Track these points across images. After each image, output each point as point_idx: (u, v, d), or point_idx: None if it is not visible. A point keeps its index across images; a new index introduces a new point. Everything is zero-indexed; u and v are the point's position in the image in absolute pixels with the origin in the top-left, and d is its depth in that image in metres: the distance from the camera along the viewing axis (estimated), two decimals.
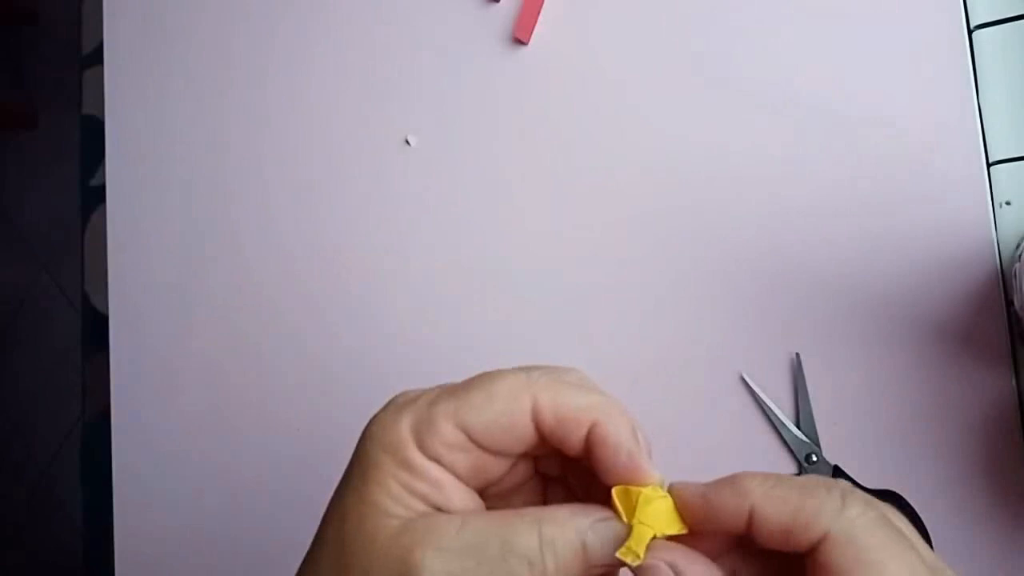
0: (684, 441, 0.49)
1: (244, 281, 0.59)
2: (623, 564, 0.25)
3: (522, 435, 0.25)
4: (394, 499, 0.24)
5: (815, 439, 0.47)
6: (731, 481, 0.24)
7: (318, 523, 0.27)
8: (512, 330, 0.53)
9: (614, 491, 0.25)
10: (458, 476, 0.25)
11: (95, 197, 0.65)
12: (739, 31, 0.50)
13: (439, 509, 0.25)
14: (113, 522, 0.60)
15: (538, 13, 0.53)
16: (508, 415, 0.25)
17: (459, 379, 0.27)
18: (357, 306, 0.56)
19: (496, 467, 0.26)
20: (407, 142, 0.56)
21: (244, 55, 0.61)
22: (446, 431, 0.25)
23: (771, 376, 0.48)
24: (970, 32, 0.46)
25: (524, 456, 0.27)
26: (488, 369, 0.27)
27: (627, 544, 0.25)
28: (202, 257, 0.60)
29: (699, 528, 0.25)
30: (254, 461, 0.58)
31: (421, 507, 0.25)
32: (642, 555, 0.24)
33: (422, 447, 0.25)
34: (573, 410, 0.25)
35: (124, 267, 0.62)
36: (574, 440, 0.25)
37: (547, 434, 0.26)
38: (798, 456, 0.47)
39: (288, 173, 0.59)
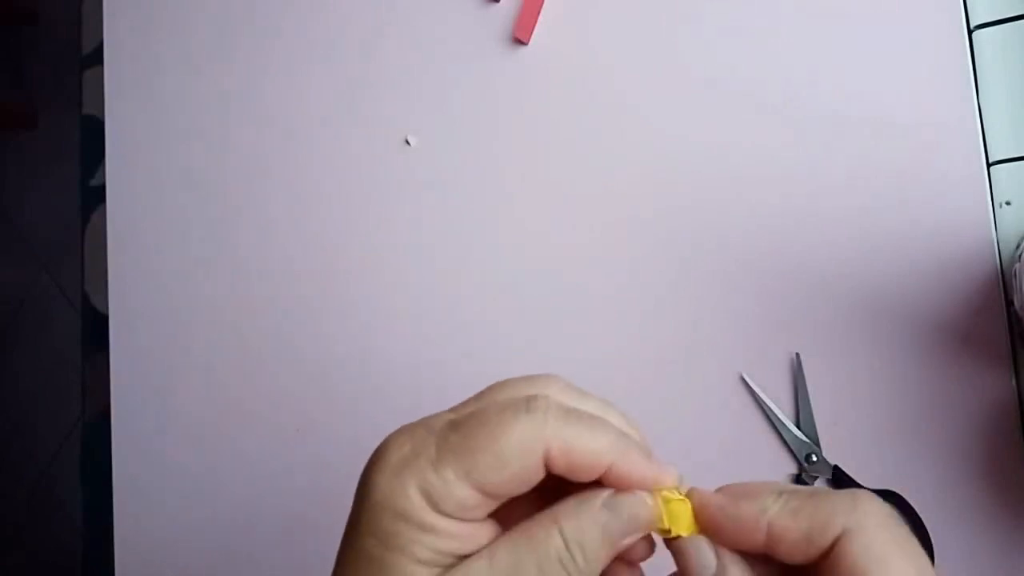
0: (684, 441, 0.49)
1: (244, 281, 0.59)
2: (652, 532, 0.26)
3: (535, 480, 0.25)
4: (423, 564, 0.24)
5: (815, 439, 0.47)
6: (749, 496, 0.25)
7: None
8: (512, 330, 0.53)
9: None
10: (473, 521, 0.25)
11: (95, 197, 0.65)
12: (739, 31, 0.50)
13: (464, 556, 0.25)
14: (113, 522, 0.60)
15: (538, 13, 0.53)
16: (523, 471, 0.25)
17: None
18: (356, 305, 0.56)
19: (504, 502, 0.26)
20: (407, 142, 0.56)
21: (244, 55, 0.61)
22: (461, 494, 0.24)
23: (771, 376, 0.48)
24: (970, 32, 0.46)
25: None
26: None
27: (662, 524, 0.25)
28: (202, 257, 0.60)
29: (714, 537, 0.25)
30: (253, 461, 0.58)
31: (448, 560, 0.25)
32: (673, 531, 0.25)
33: (437, 509, 0.24)
34: (587, 456, 0.25)
35: (124, 267, 0.62)
36: (586, 479, 0.26)
37: (557, 473, 0.26)
38: (798, 456, 0.47)
39: (288, 173, 0.59)
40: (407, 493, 0.24)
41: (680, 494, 0.26)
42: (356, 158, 0.57)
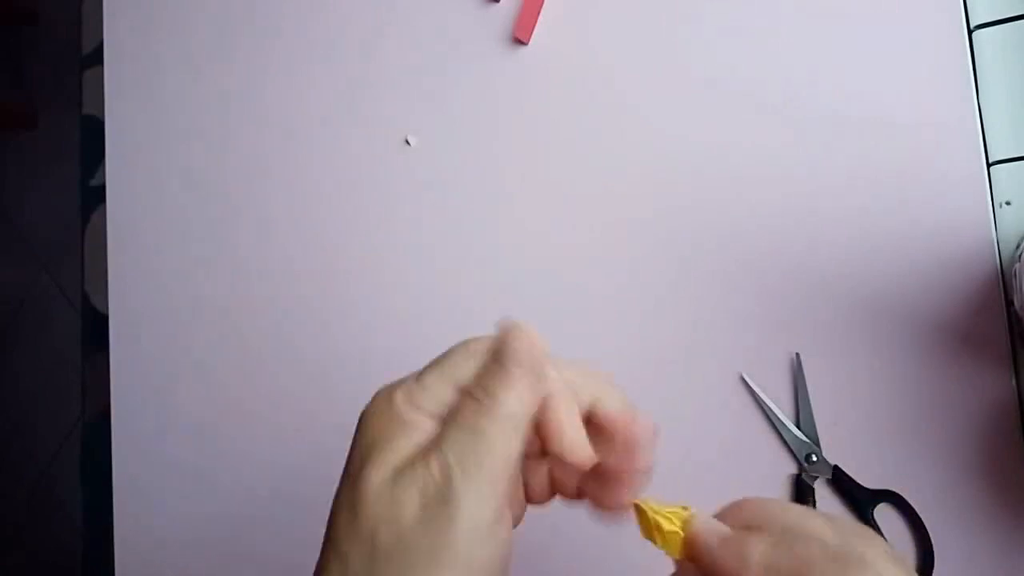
0: (684, 441, 0.49)
1: (243, 281, 0.59)
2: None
3: None
4: (397, 452, 0.26)
5: (815, 439, 0.47)
6: (737, 541, 0.25)
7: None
8: None
9: (636, 504, 0.29)
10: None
11: (95, 197, 0.65)
12: (739, 31, 0.50)
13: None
14: (113, 522, 0.60)
15: (538, 13, 0.53)
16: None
17: None
18: (356, 305, 0.56)
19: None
20: (407, 142, 0.56)
21: (244, 55, 0.61)
22: (439, 391, 0.28)
23: (771, 376, 0.48)
24: (970, 32, 0.46)
25: None
26: None
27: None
28: (202, 257, 0.60)
29: (700, 566, 0.27)
30: (253, 461, 0.58)
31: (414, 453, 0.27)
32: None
33: (417, 406, 0.27)
34: (535, 344, 0.29)
35: (124, 267, 0.62)
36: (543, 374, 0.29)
37: None
38: (798, 456, 0.47)
39: (288, 173, 0.59)
40: (393, 400, 0.28)
41: (684, 514, 0.27)
42: (356, 158, 0.57)
